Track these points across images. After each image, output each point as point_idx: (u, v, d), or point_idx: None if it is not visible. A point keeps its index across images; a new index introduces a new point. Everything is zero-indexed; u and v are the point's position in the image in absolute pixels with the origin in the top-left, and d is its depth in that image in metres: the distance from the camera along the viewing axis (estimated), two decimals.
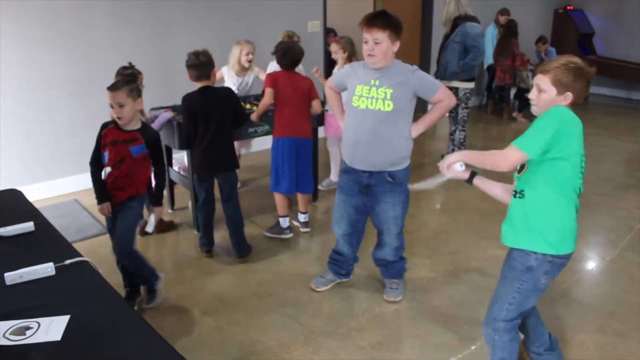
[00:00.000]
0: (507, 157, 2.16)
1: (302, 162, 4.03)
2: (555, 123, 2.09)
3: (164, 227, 4.21)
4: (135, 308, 3.08)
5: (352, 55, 4.62)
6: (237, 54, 4.61)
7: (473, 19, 5.44)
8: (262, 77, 4.64)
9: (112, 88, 2.87)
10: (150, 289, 3.20)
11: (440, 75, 5.59)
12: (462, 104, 5.58)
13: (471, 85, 5.58)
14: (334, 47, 4.64)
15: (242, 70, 4.67)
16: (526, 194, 2.24)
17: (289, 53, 3.91)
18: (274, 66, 4.93)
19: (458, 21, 5.41)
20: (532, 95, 2.21)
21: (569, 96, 2.14)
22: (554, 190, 2.17)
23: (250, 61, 4.64)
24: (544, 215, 2.19)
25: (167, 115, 3.96)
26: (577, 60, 2.16)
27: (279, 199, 4.06)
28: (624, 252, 3.89)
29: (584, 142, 2.16)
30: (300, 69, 4.51)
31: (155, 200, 3.16)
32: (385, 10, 2.86)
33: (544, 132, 2.09)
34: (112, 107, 2.86)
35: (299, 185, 4.10)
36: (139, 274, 3.13)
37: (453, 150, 5.83)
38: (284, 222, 4.12)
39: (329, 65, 6.48)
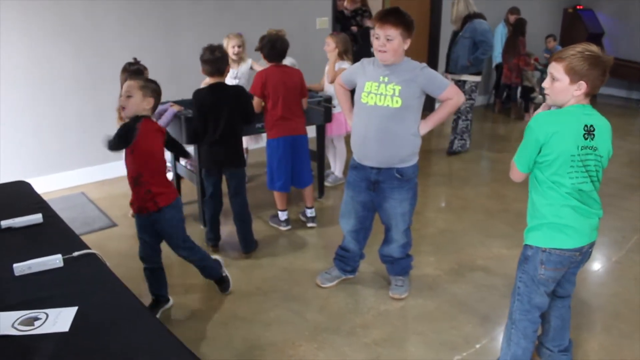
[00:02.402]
0: (512, 173, 2.33)
1: (298, 159, 4.00)
2: (532, 134, 2.17)
3: None
4: (159, 316, 3.01)
5: (345, 52, 4.66)
6: (225, 47, 4.57)
7: (480, 16, 5.76)
8: (256, 67, 4.68)
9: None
10: (219, 278, 3.28)
11: (451, 69, 5.86)
12: (466, 95, 5.80)
13: (478, 78, 5.88)
14: (329, 40, 4.63)
15: (233, 62, 4.68)
16: (530, 194, 2.33)
17: (276, 45, 3.83)
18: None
19: (467, 19, 5.73)
20: (546, 84, 2.20)
21: (582, 85, 2.10)
22: (544, 190, 2.23)
23: (237, 54, 4.67)
24: (538, 213, 2.28)
25: (174, 110, 3.96)
26: (594, 48, 2.12)
27: (276, 194, 4.10)
28: (630, 253, 3.88)
29: (580, 142, 2.14)
30: (292, 62, 4.56)
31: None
32: (398, 7, 2.86)
33: (527, 147, 2.21)
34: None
35: (295, 180, 4.08)
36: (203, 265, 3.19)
37: (454, 140, 6.10)
38: (282, 216, 4.18)
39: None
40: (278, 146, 3.91)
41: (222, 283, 3.29)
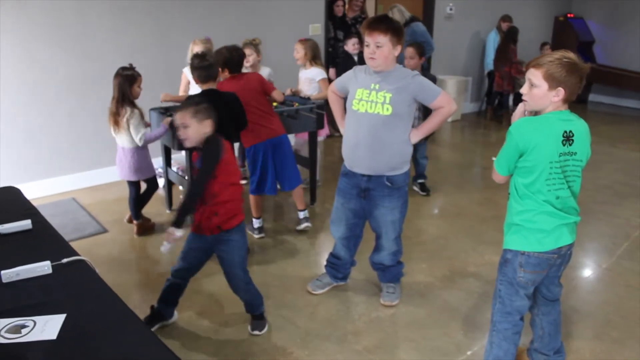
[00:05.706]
0: (493, 174, 2.37)
1: (281, 160, 3.92)
2: (513, 141, 2.20)
3: (147, 227, 4.17)
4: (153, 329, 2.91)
5: (314, 59, 4.68)
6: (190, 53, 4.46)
7: (416, 19, 6.24)
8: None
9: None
10: (257, 314, 3.03)
11: None
12: None
13: None
14: (298, 47, 4.61)
15: None
16: (509, 197, 2.37)
17: (234, 55, 3.69)
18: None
19: (405, 25, 6.09)
20: (524, 90, 2.22)
21: (560, 92, 2.13)
22: (520, 196, 2.27)
23: None
24: (515, 217, 2.31)
25: (165, 127, 3.90)
26: (571, 55, 2.15)
27: (253, 200, 4.02)
28: (621, 259, 3.89)
29: (559, 149, 2.16)
30: (270, 72, 4.59)
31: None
32: (387, 14, 2.89)
33: (507, 153, 2.24)
34: None
35: (283, 183, 4.04)
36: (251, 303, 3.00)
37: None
38: (256, 223, 4.11)
39: (332, 65, 6.52)
40: (256, 153, 3.84)
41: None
